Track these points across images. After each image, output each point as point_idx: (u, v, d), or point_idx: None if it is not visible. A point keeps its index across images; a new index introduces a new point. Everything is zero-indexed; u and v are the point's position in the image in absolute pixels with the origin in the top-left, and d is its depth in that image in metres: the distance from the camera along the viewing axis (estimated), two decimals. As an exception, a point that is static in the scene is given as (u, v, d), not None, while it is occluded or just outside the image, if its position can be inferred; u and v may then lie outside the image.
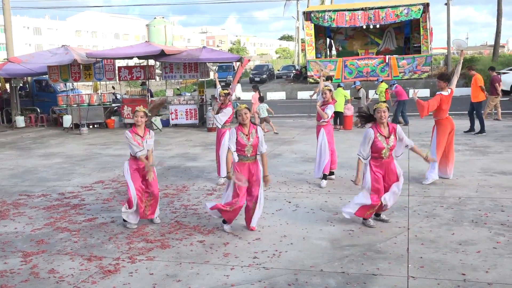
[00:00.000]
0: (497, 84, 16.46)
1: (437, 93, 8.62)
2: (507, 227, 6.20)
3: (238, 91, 30.83)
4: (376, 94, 17.02)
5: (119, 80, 19.26)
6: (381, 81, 17.10)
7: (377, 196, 6.31)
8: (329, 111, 8.66)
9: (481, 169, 9.44)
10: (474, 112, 14.43)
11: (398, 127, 6.37)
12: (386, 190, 6.36)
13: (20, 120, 20.14)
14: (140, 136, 6.67)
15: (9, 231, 6.85)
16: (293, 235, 6.25)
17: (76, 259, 5.73)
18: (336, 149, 9.45)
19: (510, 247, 5.54)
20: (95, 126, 19.28)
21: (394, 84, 16.73)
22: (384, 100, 16.55)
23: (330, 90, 8.76)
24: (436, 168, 8.56)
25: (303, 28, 36.35)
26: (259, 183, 6.41)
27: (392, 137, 6.27)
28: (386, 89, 16.87)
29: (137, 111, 6.68)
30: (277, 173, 9.65)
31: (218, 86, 9.84)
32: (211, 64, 11.36)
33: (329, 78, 17.54)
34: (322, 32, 36.44)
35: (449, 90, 8.52)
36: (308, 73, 33.73)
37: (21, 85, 22.22)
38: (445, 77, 8.60)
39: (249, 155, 6.31)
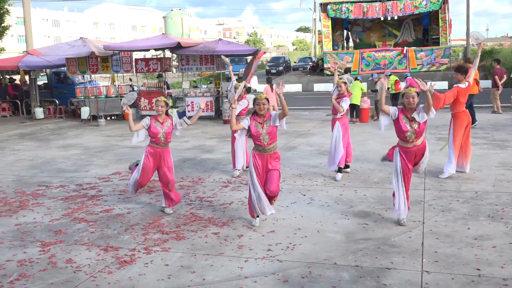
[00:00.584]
0: (496, 76, 16.51)
1: (454, 85, 8.53)
2: (524, 222, 6.14)
3: (254, 83, 30.81)
4: (390, 87, 16.91)
5: (136, 72, 19.37)
6: (389, 75, 16.97)
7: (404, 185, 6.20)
8: (345, 104, 8.60)
9: (499, 163, 9.34)
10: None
11: (420, 107, 6.08)
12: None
13: (39, 112, 20.40)
14: (160, 122, 6.89)
15: (28, 221, 6.99)
16: (307, 228, 6.27)
17: (93, 250, 5.82)
18: (352, 142, 9.43)
19: (527, 243, 5.49)
20: (113, 117, 19.46)
21: (407, 76, 16.60)
22: (394, 92, 16.47)
23: (345, 83, 8.70)
24: (453, 162, 8.48)
25: (320, 20, 36.12)
26: (277, 174, 6.33)
27: (415, 118, 6.01)
28: (396, 81, 16.76)
29: (158, 101, 6.90)
30: (292, 166, 9.65)
31: (233, 78, 9.87)
32: (225, 56, 11.39)
33: (347, 70, 17.50)
34: (339, 24, 36.19)
35: (467, 83, 8.42)
36: (325, 65, 33.55)
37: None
38: (462, 70, 8.49)
39: (265, 144, 6.19)
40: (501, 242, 5.56)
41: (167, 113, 7.02)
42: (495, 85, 16.73)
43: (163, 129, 6.86)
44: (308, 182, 8.61)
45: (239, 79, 10.09)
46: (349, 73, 17.43)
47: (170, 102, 17.98)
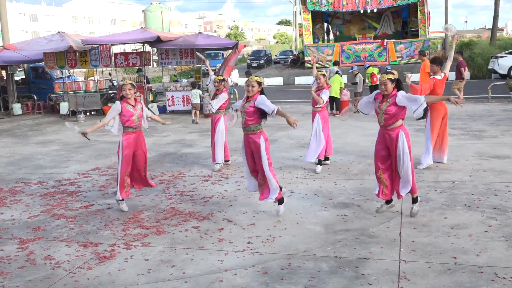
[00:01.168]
0: (462, 68, 17.03)
1: (431, 77, 8.63)
2: (499, 211, 6.26)
3: (235, 77, 30.78)
4: (368, 79, 17.14)
5: (115, 66, 19.20)
6: (368, 67, 17.14)
7: (380, 168, 6.14)
8: (324, 96, 8.67)
9: (476, 153, 9.49)
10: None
11: (399, 94, 5.85)
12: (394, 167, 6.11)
13: (17, 108, 20.10)
14: (131, 105, 6.83)
15: (6, 218, 6.90)
16: (287, 220, 6.31)
17: (72, 246, 5.79)
18: (332, 134, 9.49)
19: (502, 231, 5.61)
20: (92, 113, 19.28)
21: (387, 69, 16.75)
22: (371, 85, 16.68)
23: (324, 75, 8.77)
24: (430, 153, 8.60)
25: (300, 13, 36.16)
26: (260, 157, 6.35)
27: (389, 101, 5.88)
28: (372, 73, 16.97)
29: (125, 84, 6.88)
30: (273, 159, 9.62)
31: (211, 73, 9.92)
32: (200, 53, 11.40)
33: (336, 63, 17.68)
34: (319, 17, 36.28)
35: (442, 74, 8.53)
36: (306, 58, 33.62)
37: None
38: (437, 61, 8.58)
39: (243, 122, 6.36)
40: (476, 230, 5.66)
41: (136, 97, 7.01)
42: (460, 76, 17.29)
43: (136, 111, 6.83)
44: (288, 175, 8.65)
45: (217, 73, 10.06)
46: (337, 66, 17.58)
47: (150, 97, 17.89)
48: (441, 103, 8.62)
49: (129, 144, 6.87)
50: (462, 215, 6.20)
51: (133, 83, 6.96)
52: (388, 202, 6.29)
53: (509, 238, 5.38)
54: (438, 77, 8.48)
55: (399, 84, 5.93)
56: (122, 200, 6.98)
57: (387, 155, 6.12)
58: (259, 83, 6.33)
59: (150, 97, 19.17)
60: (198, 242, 5.74)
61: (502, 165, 8.50)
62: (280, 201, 6.48)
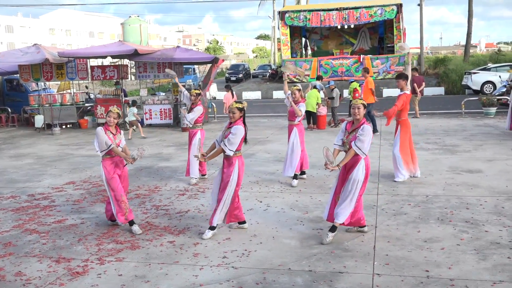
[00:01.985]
0: (415, 84, 17.88)
1: (401, 92, 8.76)
2: (471, 224, 6.37)
3: (213, 91, 30.80)
4: (349, 94, 17.28)
5: (92, 79, 19.05)
6: (352, 81, 17.34)
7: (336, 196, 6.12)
8: (302, 108, 8.79)
9: (449, 168, 9.65)
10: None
11: (364, 128, 5.86)
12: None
13: (-10, 120, 19.77)
14: (112, 133, 6.65)
15: (-24, 233, 6.75)
16: (263, 235, 6.31)
17: (44, 261, 5.69)
18: (309, 148, 9.59)
19: (473, 244, 5.70)
20: (68, 126, 19.05)
21: (361, 84, 17.03)
22: (351, 99, 16.86)
23: (299, 90, 8.86)
24: (403, 168, 8.73)
25: (278, 28, 36.47)
26: (226, 182, 6.25)
27: (353, 133, 5.92)
28: (355, 89, 17.16)
29: (111, 112, 6.64)
30: (250, 173, 9.70)
31: (183, 89, 9.98)
32: (169, 69, 11.39)
33: (320, 77, 17.90)
34: (297, 32, 36.64)
35: (408, 90, 8.74)
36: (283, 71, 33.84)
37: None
38: (404, 76, 8.78)
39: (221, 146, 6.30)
40: (449, 244, 5.75)
41: (118, 124, 6.83)
42: (413, 91, 17.79)
43: (116, 140, 6.63)
44: (265, 188, 8.67)
45: (199, 87, 10.06)
46: (321, 80, 17.78)
47: (128, 110, 17.73)
48: (407, 119, 8.79)
49: (111, 167, 6.63)
50: (435, 228, 6.29)
51: (120, 112, 6.74)
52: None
53: (480, 251, 5.47)
54: (407, 92, 8.68)
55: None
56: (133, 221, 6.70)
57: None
58: (240, 109, 6.30)
59: (127, 111, 19.03)
60: (173, 257, 5.70)
61: (475, 180, 8.66)
62: (211, 228, 6.34)
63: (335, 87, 17.07)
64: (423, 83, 18.66)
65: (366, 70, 15.34)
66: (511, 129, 13.71)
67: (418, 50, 40.93)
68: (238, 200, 6.47)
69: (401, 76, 8.80)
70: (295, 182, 8.80)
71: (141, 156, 6.67)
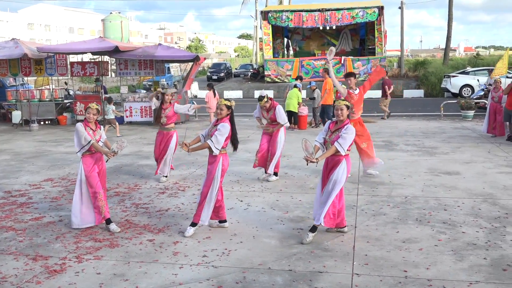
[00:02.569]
0: (386, 87, 18.65)
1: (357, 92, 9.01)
2: (449, 225, 6.46)
3: (194, 89, 30.67)
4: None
5: (72, 75, 18.82)
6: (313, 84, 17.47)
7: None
8: (280, 113, 9.03)
9: (428, 169, 9.77)
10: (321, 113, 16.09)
11: (348, 127, 5.97)
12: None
13: (-34, 115, 19.39)
14: (92, 129, 6.59)
15: (-50, 230, 6.62)
16: (243, 234, 6.30)
17: (21, 259, 5.60)
18: (290, 148, 9.65)
19: (450, 245, 5.78)
20: (46, 122, 18.79)
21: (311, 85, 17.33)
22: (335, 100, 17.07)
23: (270, 99, 9.05)
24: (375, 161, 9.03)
25: (261, 28, 36.50)
26: (210, 177, 6.23)
27: (336, 132, 6.02)
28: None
29: (90, 108, 6.59)
30: (230, 172, 9.66)
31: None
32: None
33: (300, 77, 18.01)
34: (279, 32, 36.72)
35: (358, 90, 9.08)
36: (266, 73, 33.90)
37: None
38: (353, 74, 9.23)
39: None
40: (427, 244, 5.82)
41: (97, 121, 6.79)
42: (384, 94, 18.90)
43: (95, 136, 6.57)
44: (246, 188, 8.67)
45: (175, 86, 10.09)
46: (300, 81, 17.84)
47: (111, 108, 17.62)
48: (359, 120, 9.09)
49: (92, 162, 6.56)
50: (414, 229, 6.36)
51: (99, 108, 6.72)
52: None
53: (457, 252, 5.55)
54: (354, 91, 8.95)
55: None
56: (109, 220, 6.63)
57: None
58: (228, 107, 6.30)
59: (106, 108, 18.83)
60: (153, 255, 5.66)
61: (452, 181, 8.78)
62: (193, 224, 6.33)
63: (316, 88, 17.15)
64: (392, 86, 19.30)
65: (326, 71, 15.48)
66: (488, 132, 13.95)
67: (399, 53, 41.40)
68: (222, 198, 6.45)
69: (351, 74, 9.21)
70: (273, 177, 9.06)
71: (121, 149, 6.61)
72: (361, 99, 9.05)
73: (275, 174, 9.18)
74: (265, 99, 8.95)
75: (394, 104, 22.00)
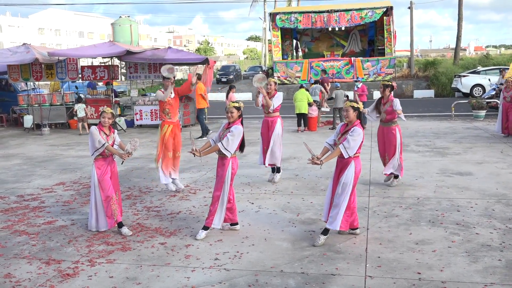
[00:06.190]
0: (325, 84, 18.78)
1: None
2: (462, 227, 6.40)
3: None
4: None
5: (82, 79, 18.93)
6: (337, 86, 17.40)
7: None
8: (277, 101, 9.10)
9: (440, 170, 9.70)
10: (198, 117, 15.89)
11: (355, 129, 5.91)
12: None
13: (-22, 120, 19.57)
14: (106, 134, 6.62)
15: (-36, 235, 6.67)
16: (255, 236, 6.29)
17: (34, 263, 5.63)
18: (300, 150, 9.60)
19: (464, 246, 5.73)
20: (57, 126, 18.92)
21: (357, 84, 17.11)
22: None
23: (275, 83, 9.13)
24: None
25: (269, 29, 36.49)
26: (221, 181, 6.24)
27: (345, 135, 5.99)
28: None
29: (105, 112, 6.61)
30: (240, 175, 9.67)
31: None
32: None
33: (317, 82, 18.14)
34: (288, 34, 36.67)
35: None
36: (275, 74, 33.88)
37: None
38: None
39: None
40: (440, 246, 5.77)
41: (111, 125, 6.82)
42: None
43: (109, 141, 6.61)
44: (257, 190, 8.65)
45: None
46: (319, 83, 17.97)
47: (118, 111, 17.80)
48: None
49: (104, 166, 6.60)
50: (426, 231, 6.31)
51: (114, 112, 6.75)
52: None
53: (471, 254, 5.50)
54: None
55: (360, 114, 6.03)
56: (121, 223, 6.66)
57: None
58: (238, 108, 6.31)
59: (118, 111, 18.95)
60: (165, 258, 5.66)
61: (465, 182, 8.71)
62: (205, 227, 6.34)
63: (340, 88, 17.06)
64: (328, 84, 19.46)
65: (199, 77, 15.57)
66: (502, 133, 13.74)
67: (408, 53, 41.20)
68: (233, 199, 6.44)
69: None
70: (277, 176, 9.11)
71: (134, 149, 6.64)
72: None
73: (278, 170, 9.13)
74: (275, 80, 9.12)
75: (405, 105, 21.88)
